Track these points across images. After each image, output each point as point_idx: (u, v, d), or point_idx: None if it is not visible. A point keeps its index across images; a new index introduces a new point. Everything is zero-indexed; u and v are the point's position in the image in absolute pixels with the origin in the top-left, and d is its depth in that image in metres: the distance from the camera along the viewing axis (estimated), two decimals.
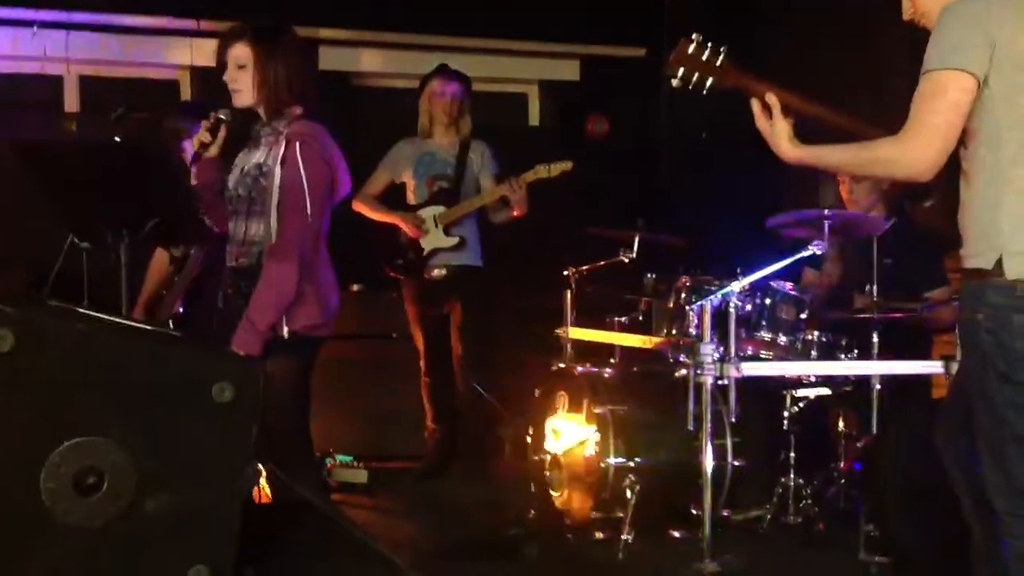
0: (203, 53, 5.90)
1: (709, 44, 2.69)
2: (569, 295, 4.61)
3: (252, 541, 2.23)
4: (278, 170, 3.11)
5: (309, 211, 3.10)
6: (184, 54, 5.95)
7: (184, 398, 2.10)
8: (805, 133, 2.68)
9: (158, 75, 6.12)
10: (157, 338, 2.30)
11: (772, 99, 2.65)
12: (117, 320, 2.38)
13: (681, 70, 2.69)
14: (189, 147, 4.36)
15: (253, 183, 3.18)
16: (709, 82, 2.70)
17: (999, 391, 2.48)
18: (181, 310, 4.09)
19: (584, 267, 4.69)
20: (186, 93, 6.09)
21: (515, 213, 5.08)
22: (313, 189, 3.11)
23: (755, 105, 2.68)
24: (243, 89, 3.22)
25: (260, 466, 3.37)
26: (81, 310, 2.33)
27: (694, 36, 2.69)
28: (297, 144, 3.11)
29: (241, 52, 3.21)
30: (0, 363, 1.94)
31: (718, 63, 2.69)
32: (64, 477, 1.98)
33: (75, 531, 2.00)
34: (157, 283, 4.53)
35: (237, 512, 2.16)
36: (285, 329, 3.13)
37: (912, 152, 2.43)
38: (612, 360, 4.55)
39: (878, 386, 3.83)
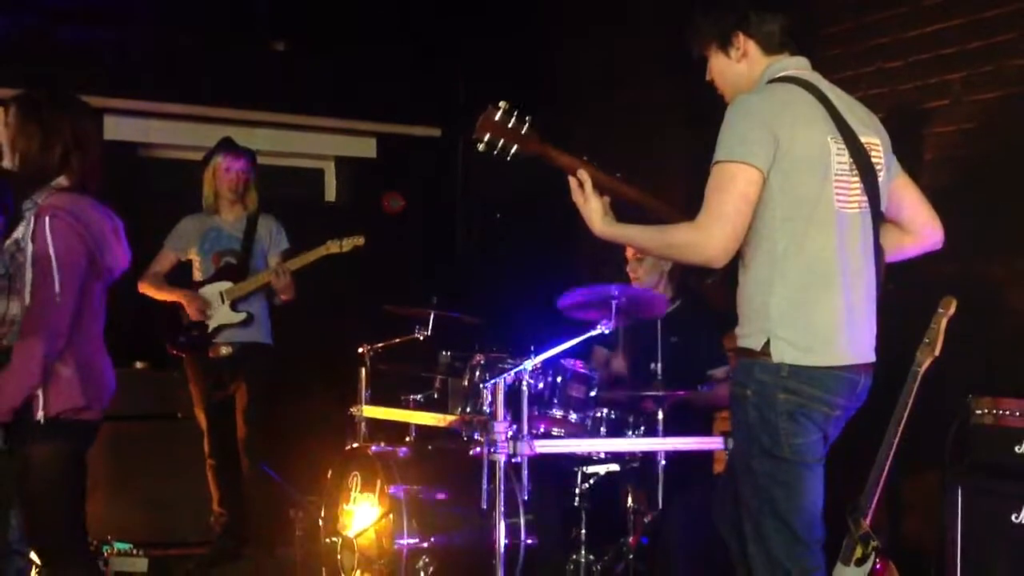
0: None
1: (515, 112, 2.76)
2: (364, 373, 4.57)
3: None
4: (30, 245, 2.99)
5: (58, 288, 2.96)
6: None
7: None
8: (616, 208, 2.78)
9: None
10: None
11: (584, 175, 2.74)
12: None
13: (487, 135, 2.75)
14: None
15: (11, 260, 3.04)
16: (514, 149, 2.77)
17: (761, 464, 2.61)
18: None
19: (379, 344, 4.66)
20: None
21: (283, 298, 5.01)
22: (63, 264, 2.98)
23: (572, 181, 2.76)
24: (5, 150, 3.13)
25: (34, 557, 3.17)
26: None
27: (501, 104, 2.76)
28: (47, 218, 2.99)
29: (10, 112, 3.14)
30: None
31: (523, 131, 2.76)
32: None
33: None
34: None
35: None
36: (40, 413, 2.96)
37: (705, 239, 2.55)
38: (407, 439, 4.51)
39: (663, 462, 3.93)
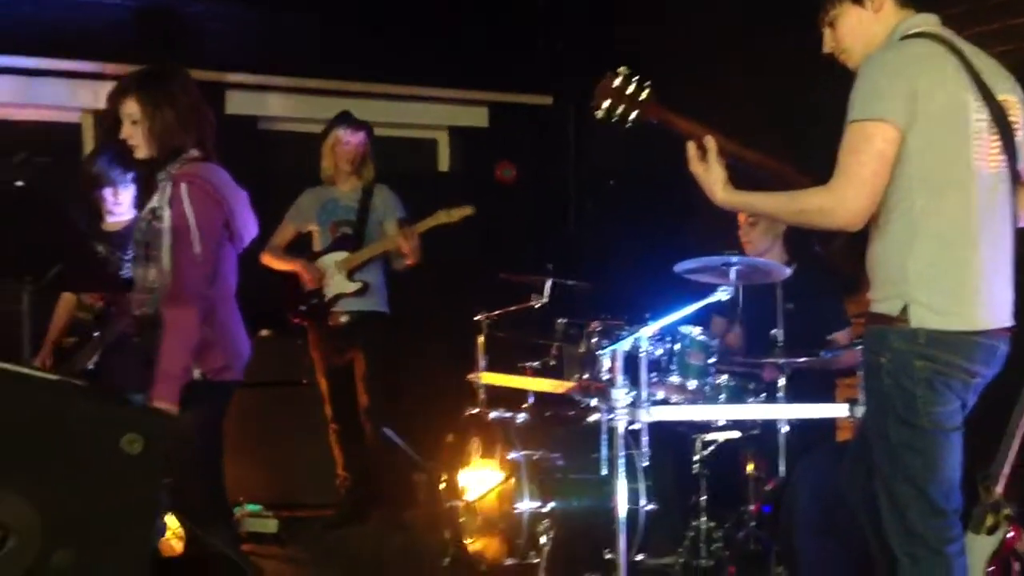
0: (106, 96, 5.80)
1: (634, 78, 2.73)
2: (481, 340, 4.62)
3: None
4: (167, 212, 3.08)
5: (198, 251, 3.06)
6: (88, 97, 5.85)
7: (92, 450, 2.05)
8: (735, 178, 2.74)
9: (60, 118, 5.99)
10: (65, 389, 2.24)
11: (710, 142, 2.69)
12: (24, 371, 2.31)
13: (606, 103, 2.73)
14: (109, 195, 4.28)
15: (147, 228, 3.14)
16: (633, 116, 2.73)
17: (897, 433, 2.55)
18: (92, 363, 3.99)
19: (495, 312, 4.71)
20: (88, 137, 5.97)
21: (408, 262, 5.09)
22: (201, 229, 3.07)
23: (691, 148, 2.71)
24: (139, 144, 3.21)
25: (169, 518, 3.30)
26: None
27: (620, 70, 2.73)
28: (184, 185, 3.09)
29: (131, 108, 3.22)
30: None
31: (642, 97, 2.73)
32: None
33: None
34: (62, 329, 4.42)
35: (146, 566, 2.10)
36: (197, 371, 3.08)
37: (842, 203, 2.49)
38: (525, 405, 4.55)
39: (785, 429, 3.90)
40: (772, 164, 2.76)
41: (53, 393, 2.15)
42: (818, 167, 2.65)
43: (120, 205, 4.32)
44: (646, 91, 2.76)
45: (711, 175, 2.69)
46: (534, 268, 4.71)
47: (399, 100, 6.53)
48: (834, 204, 2.50)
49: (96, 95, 5.82)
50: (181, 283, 3.06)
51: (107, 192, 4.28)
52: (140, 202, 4.29)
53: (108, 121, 3.32)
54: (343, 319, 5.11)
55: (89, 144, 5.89)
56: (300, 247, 5.25)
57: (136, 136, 3.20)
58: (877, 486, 2.63)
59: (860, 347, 3.61)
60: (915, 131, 2.49)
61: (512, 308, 4.72)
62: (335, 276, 5.12)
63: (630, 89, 2.75)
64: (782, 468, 3.88)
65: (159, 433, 2.12)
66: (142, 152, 3.22)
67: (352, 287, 5.11)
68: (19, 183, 3.57)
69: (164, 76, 3.25)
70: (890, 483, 2.59)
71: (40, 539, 1.96)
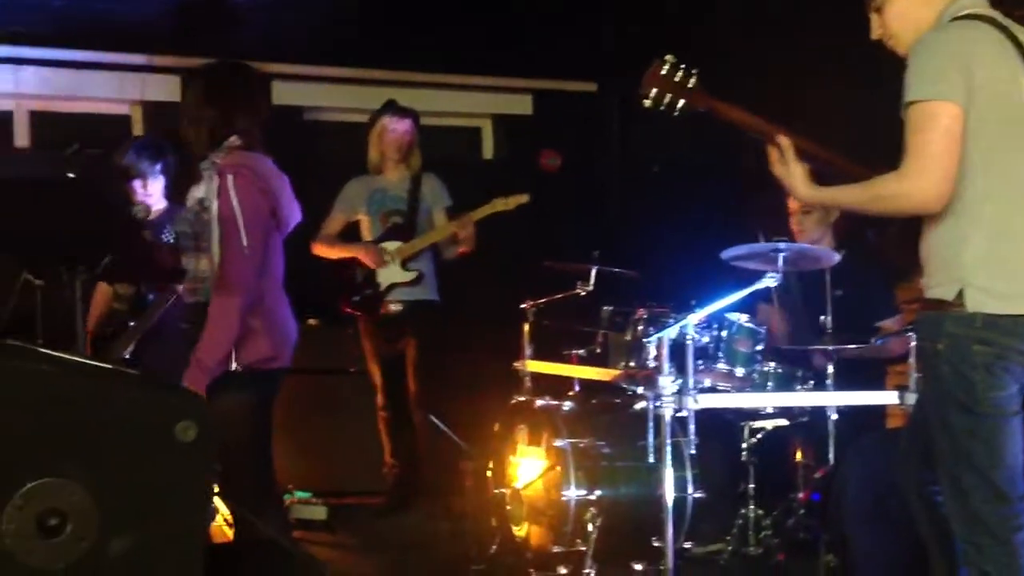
0: (155, 88, 5.88)
1: (682, 66, 2.72)
2: (526, 328, 4.62)
3: None
4: (215, 203, 3.11)
5: (246, 242, 3.09)
6: (136, 89, 5.93)
7: (147, 437, 2.08)
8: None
9: (110, 110, 6.07)
10: (119, 377, 2.27)
11: (784, 142, 2.68)
12: (78, 359, 2.34)
13: (654, 91, 2.72)
14: (139, 186, 4.35)
15: (195, 219, 3.17)
16: (681, 104, 2.72)
17: (958, 419, 2.52)
18: (129, 352, 4.05)
19: (541, 300, 4.71)
20: (138, 128, 6.05)
21: (462, 250, 5.11)
22: (248, 220, 3.09)
23: (771, 152, 2.70)
24: (187, 125, 3.27)
25: (219, 504, 3.34)
26: (41, 349, 2.30)
27: (667, 57, 2.72)
28: (230, 175, 3.11)
29: (194, 87, 3.27)
30: None
31: (690, 85, 2.72)
32: (26, 519, 1.94)
33: (37, 573, 1.96)
34: (99, 318, 4.49)
35: (200, 553, 2.13)
36: (235, 364, 3.10)
37: (916, 185, 2.46)
38: (571, 393, 4.55)
39: (834, 416, 3.87)
40: (824, 153, 2.73)
41: (108, 381, 2.18)
42: (874, 156, 2.62)
43: (150, 196, 4.39)
44: (694, 79, 2.74)
45: (792, 174, 2.68)
46: (579, 256, 4.70)
47: (443, 88, 6.54)
48: (909, 187, 2.47)
49: (144, 87, 5.91)
50: (229, 274, 3.09)
51: (136, 184, 4.35)
52: (171, 192, 4.36)
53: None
54: (396, 308, 5.14)
55: (137, 135, 5.96)
56: (348, 237, 5.27)
57: (186, 118, 3.28)
58: (939, 474, 2.59)
59: (910, 334, 3.60)
60: (971, 113, 2.46)
61: (557, 296, 4.71)
62: (389, 266, 5.15)
63: (678, 77, 2.73)
64: (831, 456, 3.85)
65: (212, 420, 2.13)
66: (190, 137, 3.28)
67: (407, 277, 5.14)
68: (71, 175, 3.64)
69: (215, 68, 3.30)
70: (953, 471, 2.55)
71: (96, 525, 1.99)
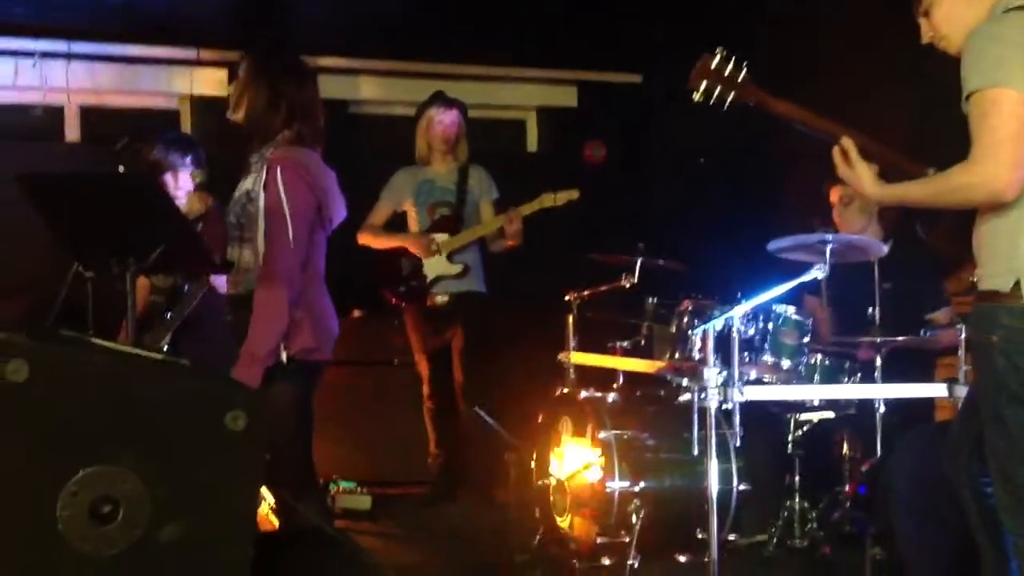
0: (203, 82, 5.95)
1: (732, 59, 2.71)
2: (571, 320, 4.62)
3: (260, 569, 2.23)
4: (262, 196, 3.14)
5: (292, 236, 3.11)
6: (184, 83, 6.00)
7: (198, 427, 2.11)
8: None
9: (158, 104, 6.15)
10: (170, 367, 2.30)
11: (847, 143, 2.66)
12: (130, 349, 2.38)
13: (703, 83, 2.71)
14: (169, 180, 4.39)
15: (242, 210, 3.20)
16: (731, 97, 2.71)
17: (1012, 413, 2.49)
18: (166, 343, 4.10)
19: (585, 292, 4.70)
20: (186, 122, 6.12)
21: (510, 243, 5.12)
22: (295, 214, 3.12)
23: (836, 154, 2.68)
24: (233, 103, 3.30)
25: (264, 493, 3.38)
26: (93, 340, 2.34)
27: (717, 50, 2.71)
28: (279, 169, 3.14)
29: (242, 69, 3.29)
30: (16, 393, 1.94)
31: (740, 78, 2.71)
32: (80, 505, 1.98)
33: (89, 559, 2.00)
34: (139, 312, 4.53)
35: (250, 541, 2.15)
36: (284, 354, 3.14)
37: (986, 174, 2.42)
38: (615, 385, 4.55)
39: (882, 409, 3.83)
40: (887, 153, 2.70)
41: (159, 371, 2.22)
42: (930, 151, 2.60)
43: (181, 189, 4.43)
44: (744, 72, 2.73)
45: (859, 174, 2.66)
46: (623, 248, 4.69)
47: (487, 81, 6.55)
48: (980, 175, 2.43)
49: (192, 81, 5.97)
50: (275, 267, 3.11)
51: (167, 177, 4.38)
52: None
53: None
54: (443, 300, 5.17)
55: (186, 129, 6.03)
56: (394, 228, 5.30)
57: (233, 95, 3.30)
58: (990, 467, 2.56)
59: (960, 326, 3.56)
60: None
61: (602, 288, 4.71)
62: (435, 258, 5.17)
63: (727, 70, 2.72)
64: (878, 449, 3.82)
65: (261, 410, 2.16)
66: (234, 114, 3.31)
67: (454, 269, 5.16)
68: (121, 168, 3.70)
69: (273, 57, 3.33)
70: (1006, 464, 2.52)
71: (149, 513, 2.02)
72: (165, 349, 4.04)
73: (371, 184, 5.36)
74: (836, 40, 5.36)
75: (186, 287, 4.22)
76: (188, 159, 4.41)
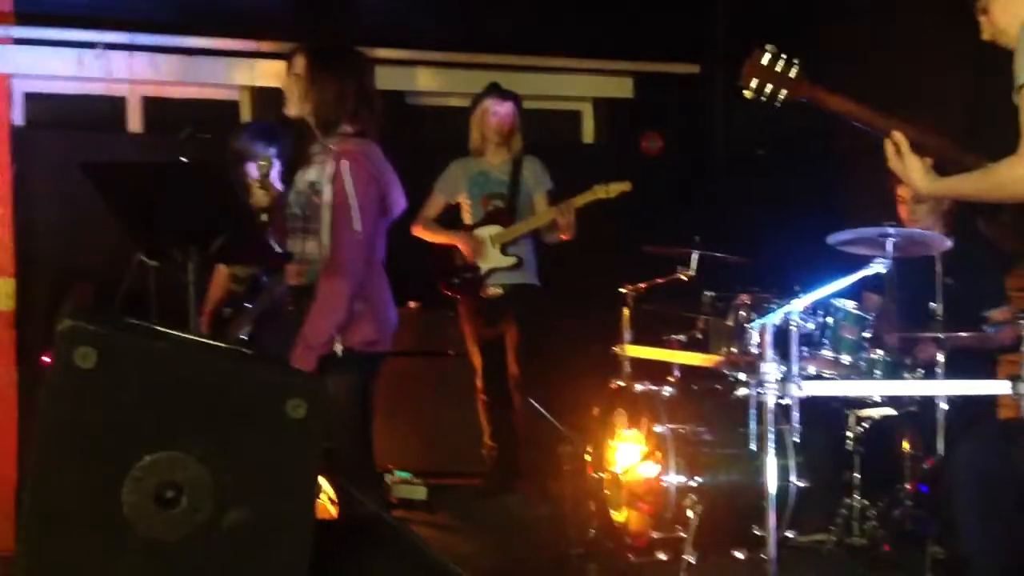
0: (264, 74, 5.99)
1: (783, 56, 2.68)
2: (626, 313, 4.60)
3: (320, 557, 2.24)
4: (328, 188, 3.15)
5: (358, 228, 3.13)
6: (245, 74, 6.05)
7: (260, 414, 2.12)
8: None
9: (219, 95, 6.21)
10: (233, 355, 2.33)
11: (899, 137, 2.63)
12: (193, 337, 2.41)
13: (755, 81, 2.68)
14: (254, 169, 4.43)
15: (307, 201, 3.23)
16: (783, 95, 2.69)
17: None
18: (247, 333, 4.14)
19: (641, 285, 4.68)
20: (246, 113, 6.18)
21: (563, 236, 5.10)
22: (362, 206, 3.14)
23: (888, 147, 2.65)
24: (292, 100, 3.31)
25: (322, 481, 3.41)
26: (158, 328, 2.37)
27: (768, 47, 2.68)
28: (345, 162, 3.15)
29: (299, 63, 3.31)
30: (84, 379, 1.97)
31: (792, 75, 2.68)
32: (145, 490, 2.01)
33: (154, 544, 2.03)
34: (218, 300, 4.59)
35: (310, 528, 2.17)
36: (339, 346, 3.16)
37: None
38: (671, 378, 4.52)
39: (944, 406, 3.77)
40: (944, 145, 2.66)
41: (220, 358, 2.24)
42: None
43: (267, 178, 4.46)
44: (795, 68, 2.70)
45: (910, 168, 2.63)
46: (680, 240, 4.66)
47: (543, 72, 6.53)
48: None
49: (252, 72, 6.03)
50: (340, 259, 3.14)
51: (251, 167, 4.42)
52: (287, 176, 4.44)
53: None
54: (497, 292, 5.17)
55: (247, 120, 6.09)
56: (448, 219, 5.32)
57: (292, 91, 3.31)
58: None
59: (1022, 322, 3.49)
60: None
61: (658, 281, 4.68)
62: (489, 250, 5.17)
63: (779, 67, 2.69)
64: (940, 447, 3.76)
65: (322, 398, 2.17)
66: (291, 109, 3.32)
67: (507, 262, 5.16)
68: (183, 158, 3.75)
69: (337, 50, 3.35)
70: None
71: (212, 499, 2.04)
72: (245, 339, 4.08)
73: (428, 175, 5.37)
74: (897, 29, 5.27)
75: (263, 278, 4.27)
76: (272, 150, 4.43)
